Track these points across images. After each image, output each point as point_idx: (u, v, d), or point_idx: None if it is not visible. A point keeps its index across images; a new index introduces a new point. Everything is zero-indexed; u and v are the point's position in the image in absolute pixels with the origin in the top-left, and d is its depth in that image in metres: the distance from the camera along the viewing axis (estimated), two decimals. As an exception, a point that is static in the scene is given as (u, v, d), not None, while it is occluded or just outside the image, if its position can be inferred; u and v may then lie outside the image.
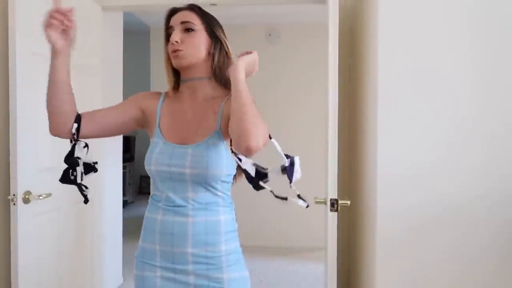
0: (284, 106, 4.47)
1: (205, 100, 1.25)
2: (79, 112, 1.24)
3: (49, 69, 1.15)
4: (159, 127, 1.25)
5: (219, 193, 1.22)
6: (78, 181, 1.26)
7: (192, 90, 1.26)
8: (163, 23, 1.29)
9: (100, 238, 2.64)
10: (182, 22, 1.22)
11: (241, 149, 1.04)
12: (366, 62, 2.11)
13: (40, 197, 1.99)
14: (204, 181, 1.18)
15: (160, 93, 1.33)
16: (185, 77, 1.27)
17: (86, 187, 1.31)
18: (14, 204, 1.89)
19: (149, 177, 5.20)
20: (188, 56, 1.21)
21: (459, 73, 1.80)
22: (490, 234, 1.80)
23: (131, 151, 7.05)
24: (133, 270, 1.28)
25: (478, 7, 1.78)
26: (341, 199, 1.92)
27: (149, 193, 5.36)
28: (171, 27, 1.24)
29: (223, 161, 1.18)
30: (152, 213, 1.25)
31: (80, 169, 1.28)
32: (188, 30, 1.22)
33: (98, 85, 2.57)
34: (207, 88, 1.26)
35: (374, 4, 1.88)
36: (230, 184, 1.26)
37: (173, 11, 1.27)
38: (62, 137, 1.26)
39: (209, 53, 1.24)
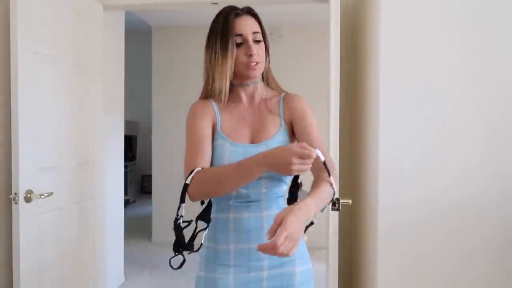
0: (286, 105, 4.44)
1: (261, 101, 1.30)
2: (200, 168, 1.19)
3: (246, 171, 1.08)
4: (221, 130, 1.25)
5: (285, 187, 1.27)
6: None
7: (249, 93, 1.30)
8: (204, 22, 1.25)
9: (102, 237, 2.65)
10: (254, 33, 1.23)
11: None
12: (368, 62, 2.11)
13: (42, 196, 1.99)
14: (278, 176, 1.21)
15: (206, 99, 1.29)
16: (243, 82, 1.28)
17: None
18: (15, 203, 1.89)
19: (150, 176, 5.15)
20: (261, 67, 1.26)
21: (459, 71, 1.79)
22: (490, 229, 1.80)
23: (132, 150, 7.06)
24: (200, 273, 1.26)
25: (479, 5, 1.77)
26: (342, 198, 1.92)
27: (150, 193, 5.38)
28: (241, 35, 1.22)
29: None
30: (221, 213, 1.24)
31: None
32: (257, 40, 1.24)
33: (100, 84, 2.57)
34: (260, 90, 1.31)
35: (376, 2, 1.88)
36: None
37: (235, 15, 1.23)
38: None
39: (267, 57, 1.29)
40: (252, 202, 1.20)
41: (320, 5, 2.41)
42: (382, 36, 1.82)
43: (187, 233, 1.22)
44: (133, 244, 4.55)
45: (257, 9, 1.30)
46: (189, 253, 1.23)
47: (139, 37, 5.54)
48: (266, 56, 1.29)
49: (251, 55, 1.20)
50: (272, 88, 1.35)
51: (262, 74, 1.32)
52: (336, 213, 1.94)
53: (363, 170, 2.22)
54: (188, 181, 1.13)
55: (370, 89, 2.05)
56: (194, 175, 1.13)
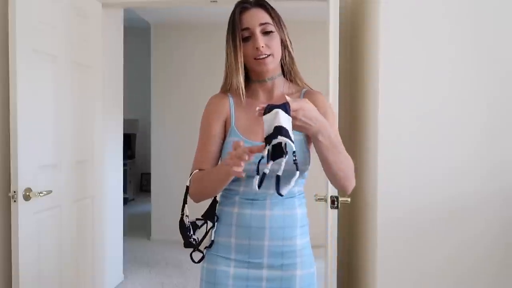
0: (285, 103, 4.44)
1: (280, 97, 1.24)
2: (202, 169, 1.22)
3: (220, 175, 1.10)
4: (235, 127, 1.23)
5: (297, 188, 1.24)
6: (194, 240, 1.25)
7: (267, 89, 1.25)
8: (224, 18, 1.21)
9: (101, 236, 2.65)
10: (261, 24, 1.18)
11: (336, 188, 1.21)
12: (367, 60, 2.11)
13: (41, 194, 1.99)
14: (290, 177, 1.18)
15: (224, 94, 1.27)
16: (259, 78, 1.24)
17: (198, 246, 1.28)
18: (14, 201, 1.89)
19: (149, 174, 5.13)
20: (274, 60, 1.20)
21: (458, 69, 1.79)
22: (488, 225, 1.81)
23: (131, 149, 7.05)
24: (203, 264, 1.26)
25: (479, 3, 1.77)
26: (341, 196, 1.92)
27: (149, 191, 5.38)
28: (247, 29, 1.18)
29: (308, 157, 1.20)
30: (227, 207, 1.24)
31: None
32: (267, 32, 1.18)
33: (99, 82, 2.56)
34: (280, 86, 1.26)
35: (375, 0, 1.88)
36: (305, 179, 1.28)
37: (242, 9, 1.20)
38: None
39: (283, 49, 1.23)
40: (257, 200, 1.20)
41: (319, 3, 2.41)
42: (381, 34, 1.82)
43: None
44: (132, 242, 4.55)
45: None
46: (204, 248, 1.26)
47: (138, 35, 5.53)
48: (284, 48, 1.23)
49: (257, 48, 1.16)
50: (296, 84, 1.28)
51: (283, 68, 1.26)
52: (335, 211, 1.94)
53: (362, 168, 2.22)
54: (188, 183, 1.17)
55: (369, 85, 2.05)
56: (191, 177, 1.17)
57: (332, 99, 1.97)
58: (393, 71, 1.83)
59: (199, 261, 1.26)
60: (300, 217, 1.24)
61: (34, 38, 2.00)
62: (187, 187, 1.19)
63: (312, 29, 4.48)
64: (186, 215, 1.20)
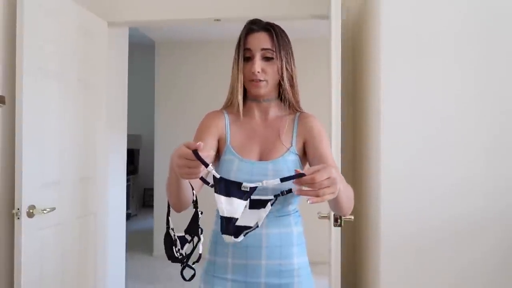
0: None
1: (275, 119, 1.29)
2: None
3: (172, 178, 1.08)
4: (231, 145, 1.25)
5: (291, 206, 1.24)
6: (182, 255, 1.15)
7: (263, 109, 1.29)
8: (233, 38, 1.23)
9: (103, 252, 2.64)
10: (263, 49, 1.21)
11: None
12: (369, 76, 2.12)
13: (44, 211, 1.99)
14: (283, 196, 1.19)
15: (220, 111, 1.31)
16: (257, 98, 1.28)
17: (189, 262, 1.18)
18: (18, 218, 1.89)
19: (152, 189, 5.10)
20: (268, 86, 1.24)
21: (464, 89, 1.80)
22: (494, 242, 1.78)
23: (134, 164, 7.06)
24: (200, 285, 1.26)
25: (480, 20, 1.79)
26: (344, 214, 1.91)
27: (152, 206, 5.38)
28: (249, 50, 1.22)
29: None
30: None
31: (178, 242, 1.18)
32: (267, 58, 1.22)
33: (103, 99, 2.59)
34: (276, 108, 1.30)
35: (376, 19, 1.90)
36: (299, 197, 1.26)
37: (249, 30, 1.24)
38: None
39: (280, 77, 1.26)
40: None
41: (321, 21, 2.44)
42: (383, 52, 1.83)
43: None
44: (134, 258, 4.53)
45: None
46: (193, 264, 1.14)
47: (142, 52, 5.59)
48: (285, 78, 1.25)
49: (253, 72, 1.20)
50: (292, 108, 1.31)
51: (281, 94, 1.29)
52: (339, 229, 1.94)
53: (365, 186, 2.22)
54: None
55: (371, 103, 2.06)
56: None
57: (335, 115, 1.98)
58: (394, 90, 1.83)
59: (191, 279, 1.17)
60: (296, 235, 1.24)
61: (40, 57, 2.03)
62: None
63: (314, 46, 4.52)
64: (171, 228, 1.14)
